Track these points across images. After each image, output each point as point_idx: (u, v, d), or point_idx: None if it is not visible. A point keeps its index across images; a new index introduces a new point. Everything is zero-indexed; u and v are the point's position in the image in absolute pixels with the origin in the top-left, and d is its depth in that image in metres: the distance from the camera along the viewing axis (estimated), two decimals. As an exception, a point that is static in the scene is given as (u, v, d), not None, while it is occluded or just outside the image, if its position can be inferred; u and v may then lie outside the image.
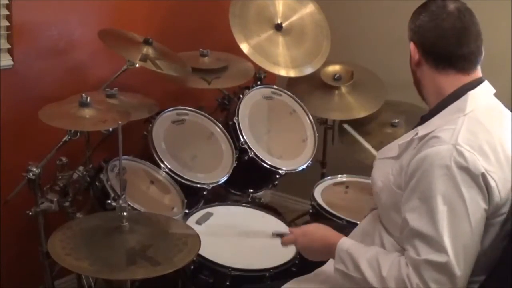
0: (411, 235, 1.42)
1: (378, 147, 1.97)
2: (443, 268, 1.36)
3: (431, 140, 1.42)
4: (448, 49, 1.50)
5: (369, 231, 1.66)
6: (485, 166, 1.38)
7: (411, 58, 1.56)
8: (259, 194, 2.65)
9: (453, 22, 1.48)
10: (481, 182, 1.37)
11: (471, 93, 1.49)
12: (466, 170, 1.37)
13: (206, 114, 2.54)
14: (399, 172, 1.50)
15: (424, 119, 1.56)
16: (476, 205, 1.37)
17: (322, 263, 1.74)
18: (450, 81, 1.51)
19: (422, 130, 1.50)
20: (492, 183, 1.38)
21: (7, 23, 2.22)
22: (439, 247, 1.37)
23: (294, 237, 1.69)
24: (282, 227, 2.18)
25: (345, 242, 1.56)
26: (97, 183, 2.17)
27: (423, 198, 1.40)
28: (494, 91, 1.54)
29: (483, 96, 1.51)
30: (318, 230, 1.67)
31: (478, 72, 1.53)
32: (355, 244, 1.57)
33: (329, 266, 1.70)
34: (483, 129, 1.45)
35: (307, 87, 2.83)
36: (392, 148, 1.61)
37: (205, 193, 2.33)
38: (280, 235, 1.74)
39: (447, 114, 1.49)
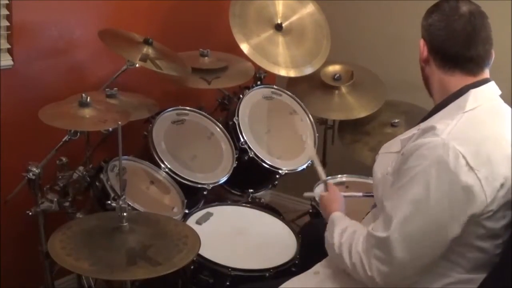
0: (380, 212, 1.50)
1: (378, 147, 1.98)
2: (383, 244, 1.42)
3: (426, 132, 1.46)
4: (455, 50, 1.51)
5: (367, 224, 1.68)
6: (471, 162, 1.39)
7: (420, 55, 1.59)
8: (259, 194, 2.65)
9: (463, 24, 1.49)
10: (458, 183, 1.38)
11: (473, 91, 1.50)
12: (444, 165, 1.38)
13: (206, 114, 2.53)
14: (397, 162, 1.53)
15: (428, 115, 1.58)
16: (439, 201, 1.39)
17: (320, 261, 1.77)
18: (455, 81, 1.53)
19: (423, 126, 1.53)
20: (474, 183, 1.38)
21: (7, 23, 2.22)
22: (389, 225, 1.42)
23: (324, 193, 1.87)
24: (282, 227, 2.18)
25: (337, 214, 1.69)
26: (97, 183, 2.17)
27: (400, 182, 1.45)
28: (499, 92, 1.55)
29: (485, 95, 1.51)
30: (336, 199, 1.82)
31: (485, 74, 1.54)
32: (345, 218, 1.67)
33: (327, 263, 1.72)
34: (480, 127, 1.46)
35: (307, 87, 2.83)
36: (394, 143, 1.64)
37: (205, 193, 2.33)
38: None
39: (448, 111, 1.51)
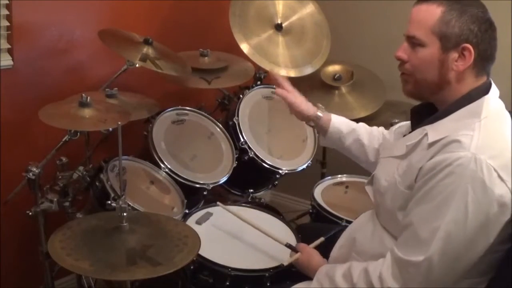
0: (408, 233, 1.45)
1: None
2: (422, 268, 1.40)
3: (451, 145, 1.41)
4: (493, 59, 1.52)
5: (367, 233, 1.66)
6: (502, 175, 1.38)
7: (446, 58, 1.48)
8: (259, 194, 2.65)
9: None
10: (494, 198, 1.37)
11: (486, 98, 1.49)
12: (480, 181, 1.37)
13: (206, 114, 2.54)
14: (406, 171, 1.50)
15: (433, 118, 1.53)
16: (476, 217, 1.38)
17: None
18: (469, 84, 1.51)
19: (432, 132, 1.49)
20: (506, 194, 1.39)
21: (7, 23, 2.22)
22: (426, 248, 1.40)
23: (296, 255, 1.84)
24: (282, 227, 2.18)
25: (324, 266, 1.68)
26: (97, 183, 2.17)
27: (432, 202, 1.41)
28: (498, 92, 1.55)
29: (494, 100, 1.51)
30: (311, 253, 1.82)
31: None
32: (333, 265, 1.66)
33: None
34: (497, 136, 1.45)
35: (307, 87, 2.83)
36: (397, 147, 1.61)
37: (205, 193, 2.33)
38: (292, 247, 1.91)
39: (461, 117, 1.48)
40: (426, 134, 1.50)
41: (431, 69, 1.51)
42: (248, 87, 2.65)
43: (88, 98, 2.02)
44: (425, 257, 1.39)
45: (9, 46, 2.26)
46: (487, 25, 1.49)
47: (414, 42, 1.53)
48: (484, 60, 1.50)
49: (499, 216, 1.39)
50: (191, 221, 2.10)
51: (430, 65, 1.50)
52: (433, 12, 1.48)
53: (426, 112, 1.58)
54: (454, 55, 1.48)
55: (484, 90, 1.50)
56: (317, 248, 1.87)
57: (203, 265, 1.90)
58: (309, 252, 1.83)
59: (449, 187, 1.38)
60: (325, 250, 1.82)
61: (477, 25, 1.47)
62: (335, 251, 1.76)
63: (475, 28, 1.47)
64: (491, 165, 1.37)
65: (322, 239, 1.92)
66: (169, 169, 2.27)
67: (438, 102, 1.56)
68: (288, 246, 1.93)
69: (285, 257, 1.92)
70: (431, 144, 1.46)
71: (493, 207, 1.38)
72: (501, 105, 1.54)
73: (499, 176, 1.38)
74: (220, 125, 2.52)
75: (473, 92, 1.50)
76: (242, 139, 2.45)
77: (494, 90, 1.53)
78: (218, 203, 2.16)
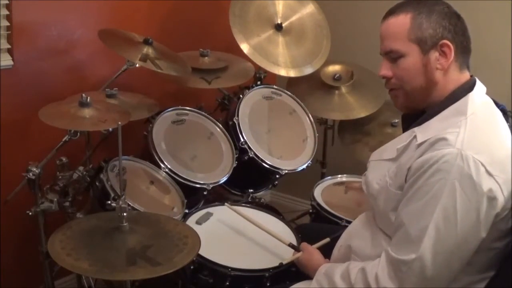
0: (399, 233, 1.45)
1: (378, 147, 1.98)
2: (414, 266, 1.40)
3: (437, 143, 1.42)
4: (470, 51, 1.53)
5: (364, 235, 1.66)
6: (490, 169, 1.38)
7: (428, 59, 1.50)
8: (259, 194, 2.65)
9: None
10: (482, 193, 1.37)
11: (470, 95, 1.49)
12: (467, 176, 1.37)
13: (206, 114, 2.54)
14: (396, 173, 1.51)
15: (421, 120, 1.54)
16: (467, 213, 1.38)
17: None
18: (453, 81, 1.52)
19: (420, 133, 1.50)
20: (495, 188, 1.39)
21: (7, 23, 2.23)
22: (417, 246, 1.40)
23: (297, 254, 1.85)
24: (282, 227, 2.18)
25: (324, 265, 1.68)
26: (97, 183, 2.17)
27: (421, 200, 1.41)
28: (485, 88, 1.55)
29: (479, 97, 1.52)
30: (312, 252, 1.82)
31: None
32: (333, 264, 1.67)
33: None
34: (486, 130, 1.46)
35: (307, 87, 2.83)
36: (387, 150, 1.62)
37: (205, 193, 2.33)
38: (294, 247, 1.91)
39: (447, 116, 1.49)
40: (415, 136, 1.50)
41: (418, 76, 1.52)
42: (248, 87, 2.65)
43: (88, 98, 2.02)
44: (416, 256, 1.40)
45: (9, 46, 2.26)
46: (456, 18, 1.51)
47: (393, 57, 1.54)
48: (464, 52, 1.52)
49: (490, 211, 1.39)
50: (191, 221, 2.10)
51: (416, 72, 1.52)
52: (403, 21, 1.51)
53: (416, 116, 1.58)
54: (435, 54, 1.50)
55: (468, 88, 1.51)
56: (321, 248, 1.87)
57: (203, 265, 1.91)
58: (311, 251, 1.83)
59: (436, 185, 1.38)
60: (328, 250, 1.82)
61: (447, 20, 1.50)
62: (335, 252, 1.77)
63: (446, 23, 1.49)
64: (478, 160, 1.37)
65: (327, 239, 1.91)
66: (169, 169, 2.27)
67: (428, 106, 1.56)
68: (291, 246, 1.93)
69: (286, 257, 1.93)
70: (419, 145, 1.47)
71: (483, 203, 1.38)
72: (489, 101, 1.54)
73: (487, 171, 1.38)
74: (220, 125, 2.52)
75: (458, 90, 1.51)
76: (242, 139, 2.45)
77: (480, 87, 1.53)
78: (226, 203, 2.16)
